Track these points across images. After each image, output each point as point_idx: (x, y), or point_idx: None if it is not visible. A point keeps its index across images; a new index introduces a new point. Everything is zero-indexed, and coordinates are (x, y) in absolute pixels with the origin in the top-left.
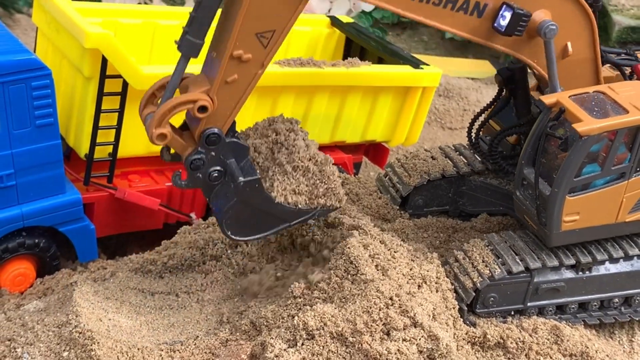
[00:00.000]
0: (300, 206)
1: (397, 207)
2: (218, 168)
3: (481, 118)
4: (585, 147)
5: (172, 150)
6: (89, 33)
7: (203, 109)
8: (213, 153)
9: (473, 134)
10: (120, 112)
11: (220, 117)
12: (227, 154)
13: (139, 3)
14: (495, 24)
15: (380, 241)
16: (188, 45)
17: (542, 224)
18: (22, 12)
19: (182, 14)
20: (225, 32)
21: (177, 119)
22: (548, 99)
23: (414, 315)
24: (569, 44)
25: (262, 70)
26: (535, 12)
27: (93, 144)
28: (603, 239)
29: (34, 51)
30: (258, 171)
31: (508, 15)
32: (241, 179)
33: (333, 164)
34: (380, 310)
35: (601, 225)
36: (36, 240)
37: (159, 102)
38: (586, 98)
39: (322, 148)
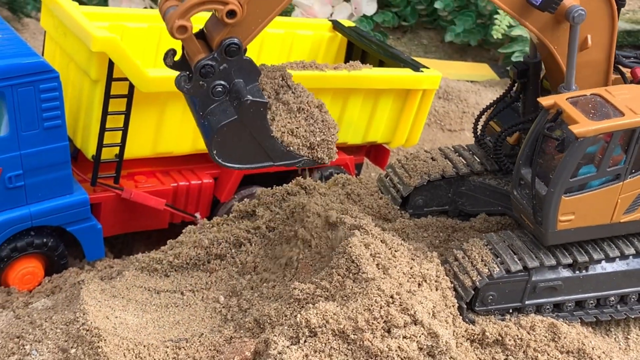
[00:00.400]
0: (291, 148)
1: (398, 207)
2: (223, 83)
3: (486, 114)
4: (581, 149)
5: (177, 57)
6: (96, 37)
7: (232, 13)
8: (226, 65)
9: (479, 130)
10: (127, 114)
11: (245, 30)
12: (238, 71)
13: (145, 7)
14: None
15: (381, 240)
16: None
17: (539, 223)
18: (31, 17)
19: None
20: None
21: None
22: (546, 101)
23: (414, 313)
24: (589, 36)
25: None
26: None
27: (100, 145)
28: (599, 239)
29: (42, 55)
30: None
31: None
32: (249, 97)
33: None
34: (381, 308)
35: (596, 225)
36: (44, 240)
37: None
38: (583, 100)
39: None
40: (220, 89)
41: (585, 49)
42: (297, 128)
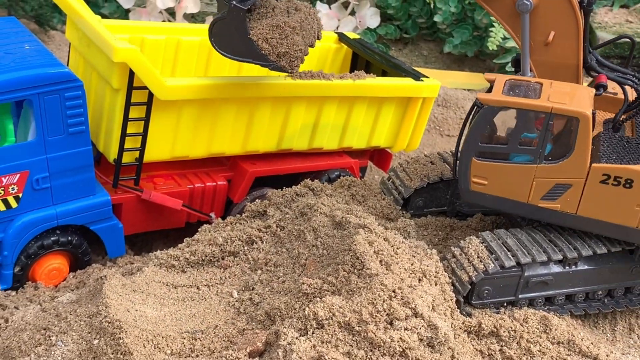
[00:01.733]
0: (264, 52)
1: (400, 208)
2: None
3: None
4: (486, 115)
5: None
6: (118, 48)
7: None
8: None
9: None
10: (146, 120)
11: None
12: None
13: (163, 21)
14: None
15: (384, 239)
16: None
17: (454, 176)
18: (56, 29)
19: (202, 31)
20: None
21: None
22: (489, 76)
23: (415, 306)
24: (552, 33)
25: None
26: None
27: (121, 149)
28: (587, 236)
29: (67, 65)
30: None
31: None
32: (233, 2)
33: (310, 46)
34: (384, 302)
35: (514, 200)
36: (69, 238)
37: None
38: (517, 83)
39: (331, 153)
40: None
41: (549, 44)
42: (271, 38)
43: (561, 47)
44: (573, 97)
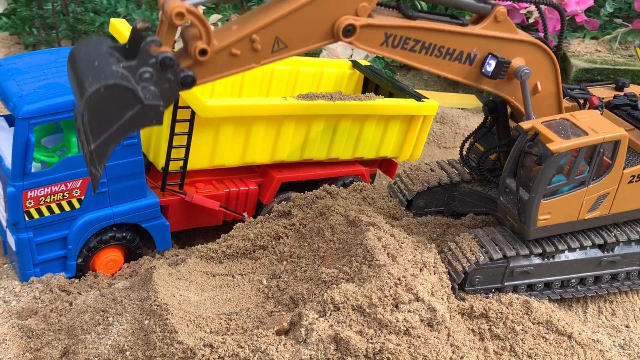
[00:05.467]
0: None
1: (404, 208)
2: (151, 73)
3: (469, 140)
4: (556, 162)
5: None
6: None
7: (203, 52)
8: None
9: (464, 152)
10: (189, 134)
11: (203, 71)
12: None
13: None
14: (483, 70)
15: (390, 235)
16: None
17: (523, 223)
18: None
19: None
20: (256, 19)
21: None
22: (525, 125)
23: (417, 292)
24: (538, 83)
25: (257, 65)
26: (513, 59)
27: (168, 159)
28: (564, 234)
29: None
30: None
31: (493, 63)
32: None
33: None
34: (390, 288)
35: (569, 222)
36: (124, 234)
37: None
38: (554, 124)
39: (346, 162)
40: (147, 76)
41: (538, 91)
42: None
43: (546, 89)
44: (600, 123)
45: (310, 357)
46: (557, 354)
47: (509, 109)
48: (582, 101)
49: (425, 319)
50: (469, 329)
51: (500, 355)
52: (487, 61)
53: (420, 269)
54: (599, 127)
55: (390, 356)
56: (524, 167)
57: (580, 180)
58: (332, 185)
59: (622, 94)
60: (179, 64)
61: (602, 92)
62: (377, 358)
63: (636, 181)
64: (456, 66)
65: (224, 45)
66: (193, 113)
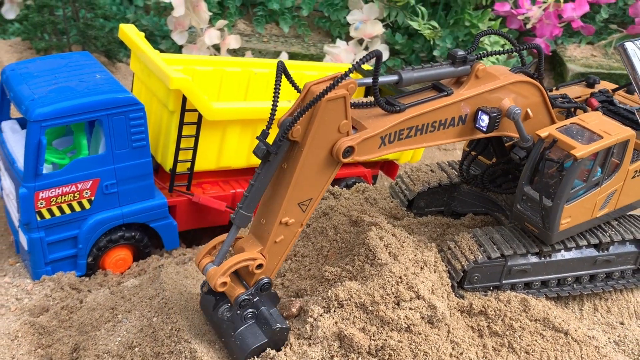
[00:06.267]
0: None
1: (405, 209)
2: (253, 310)
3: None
4: (580, 167)
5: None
6: (173, 78)
7: (260, 266)
8: (258, 297)
9: (464, 168)
10: (196, 137)
11: (269, 269)
12: (266, 301)
13: (210, 54)
14: (477, 126)
15: (392, 234)
16: (241, 218)
17: (547, 229)
18: (122, 62)
19: (243, 63)
20: (274, 204)
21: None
22: (542, 132)
23: (418, 290)
24: (528, 109)
25: (302, 228)
26: (501, 102)
27: (175, 161)
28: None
29: (131, 91)
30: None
31: (486, 119)
32: (278, 325)
33: None
34: (392, 286)
35: (585, 221)
36: (133, 233)
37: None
38: (567, 129)
39: (349, 164)
40: (250, 315)
41: (530, 118)
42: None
43: (537, 113)
44: (607, 124)
45: (316, 356)
46: (554, 350)
47: None
48: (573, 110)
49: (425, 316)
50: (468, 325)
51: (499, 351)
52: (479, 117)
53: (421, 268)
54: (609, 128)
55: (392, 352)
56: (543, 174)
57: (596, 182)
58: (335, 186)
59: (597, 90)
60: None
61: (577, 91)
62: (379, 354)
63: (637, 176)
64: (451, 131)
65: (268, 244)
66: (200, 116)
